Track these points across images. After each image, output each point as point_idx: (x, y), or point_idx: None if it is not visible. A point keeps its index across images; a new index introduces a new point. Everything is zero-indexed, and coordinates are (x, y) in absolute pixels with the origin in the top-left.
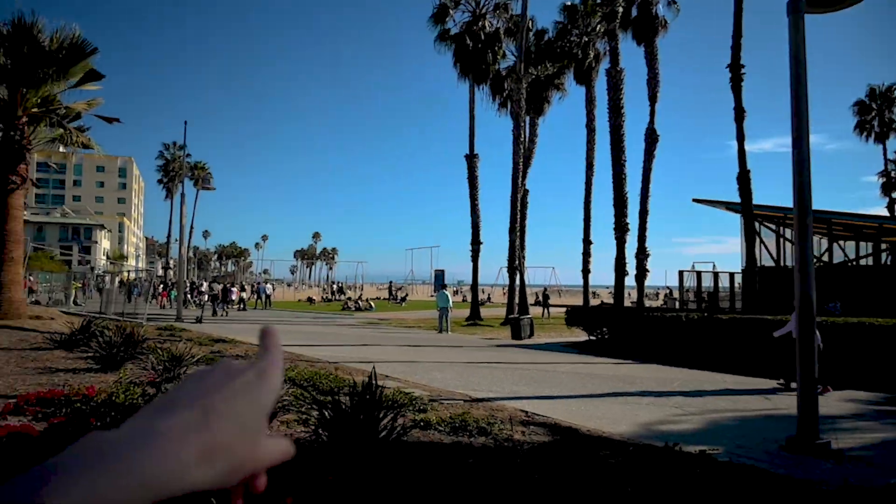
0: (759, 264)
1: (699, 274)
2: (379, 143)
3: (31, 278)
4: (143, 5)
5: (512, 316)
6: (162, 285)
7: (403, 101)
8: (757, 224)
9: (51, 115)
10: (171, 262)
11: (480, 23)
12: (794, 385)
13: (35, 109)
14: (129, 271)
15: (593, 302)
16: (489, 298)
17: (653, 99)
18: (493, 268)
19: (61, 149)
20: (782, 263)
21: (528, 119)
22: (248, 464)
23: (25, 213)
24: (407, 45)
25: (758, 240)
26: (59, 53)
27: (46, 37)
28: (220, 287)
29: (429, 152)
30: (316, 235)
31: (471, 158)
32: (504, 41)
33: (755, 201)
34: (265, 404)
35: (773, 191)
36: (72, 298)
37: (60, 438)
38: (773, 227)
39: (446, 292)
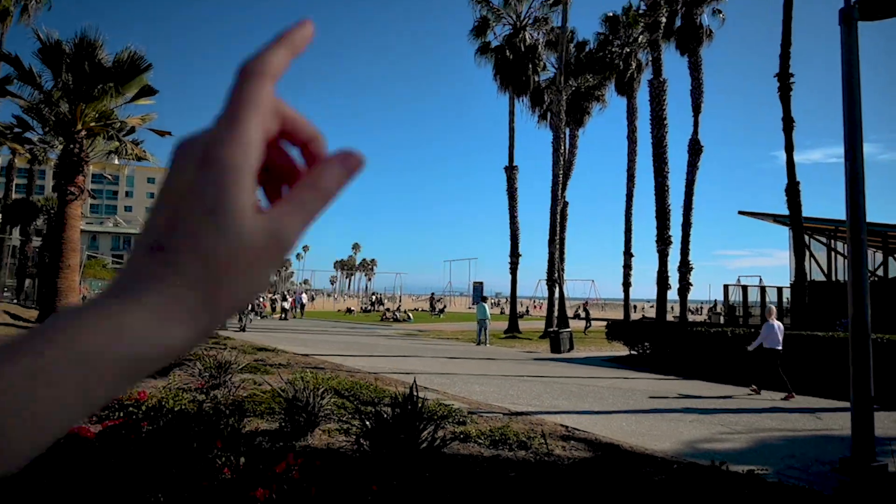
0: (808, 279)
1: (745, 288)
2: (418, 154)
3: (85, 285)
4: (189, 16)
5: (551, 329)
6: None
7: (442, 113)
8: (806, 237)
9: (108, 129)
10: None
11: (521, 35)
12: (762, 391)
13: (93, 124)
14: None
15: (634, 316)
16: (528, 311)
17: (696, 109)
18: (532, 280)
19: (116, 161)
20: (834, 278)
21: (567, 131)
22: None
23: (81, 222)
24: (448, 56)
25: (807, 253)
26: (117, 70)
27: (106, 54)
28: None
29: (468, 164)
30: (356, 247)
31: (510, 170)
32: (544, 53)
33: (805, 213)
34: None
35: (823, 202)
36: None
37: (114, 440)
38: (824, 240)
39: (485, 305)
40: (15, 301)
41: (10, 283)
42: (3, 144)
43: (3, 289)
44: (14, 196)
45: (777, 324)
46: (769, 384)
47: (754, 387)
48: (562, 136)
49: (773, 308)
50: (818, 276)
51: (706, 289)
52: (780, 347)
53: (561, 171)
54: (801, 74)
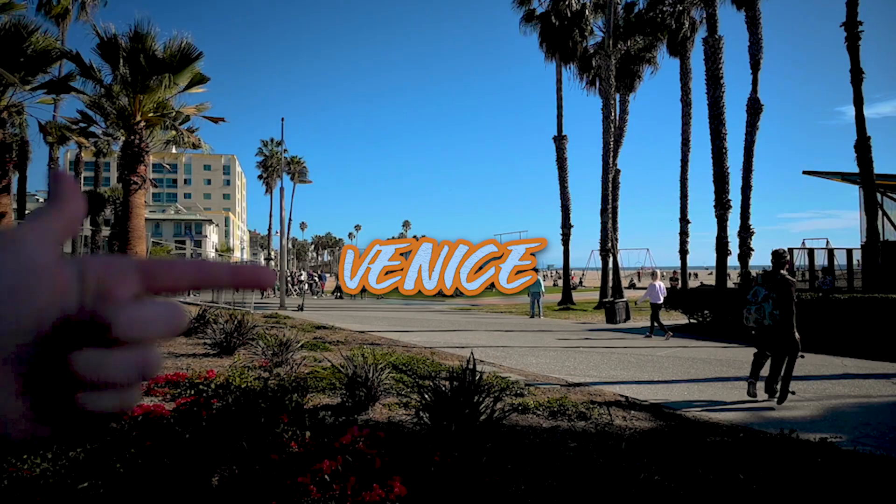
0: (881, 239)
1: (811, 251)
2: (466, 128)
3: None
4: (239, 5)
5: (606, 299)
6: None
7: (489, 84)
8: (878, 195)
9: (164, 119)
10: (273, 253)
11: (566, 0)
12: (668, 336)
13: (151, 115)
14: (236, 263)
15: (691, 283)
16: (581, 282)
17: (755, 67)
18: (585, 251)
19: (174, 150)
20: None
21: (617, 96)
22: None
23: (145, 211)
24: (492, 27)
25: (880, 212)
26: (171, 61)
27: (159, 45)
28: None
29: (516, 136)
30: (406, 224)
31: (559, 140)
32: (591, 17)
33: (876, 170)
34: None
35: (894, 158)
36: None
37: (188, 417)
38: None
39: (539, 277)
40: None
41: None
42: (71, 139)
43: None
44: (83, 188)
45: (660, 284)
46: (659, 332)
47: (649, 334)
48: (612, 101)
49: (658, 271)
50: (892, 237)
51: (767, 254)
52: (660, 301)
53: (612, 139)
54: (868, 23)
